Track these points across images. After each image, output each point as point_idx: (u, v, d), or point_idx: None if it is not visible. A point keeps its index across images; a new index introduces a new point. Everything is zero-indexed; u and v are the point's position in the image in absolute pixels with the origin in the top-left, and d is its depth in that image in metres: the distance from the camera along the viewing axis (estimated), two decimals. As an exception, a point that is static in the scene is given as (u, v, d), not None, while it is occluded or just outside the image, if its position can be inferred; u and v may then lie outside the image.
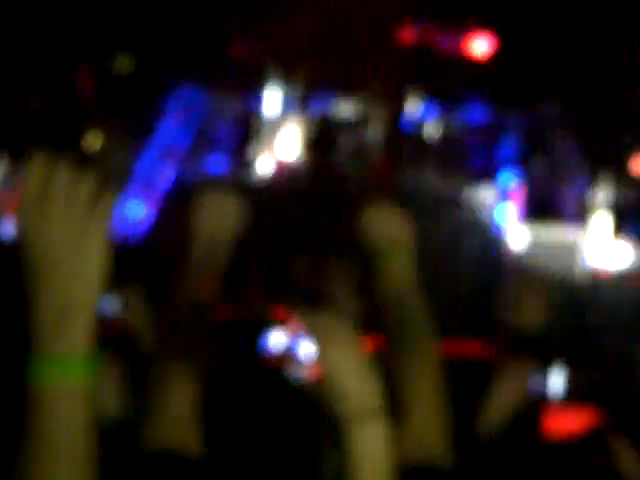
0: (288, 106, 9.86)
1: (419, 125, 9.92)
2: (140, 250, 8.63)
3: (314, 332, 1.66)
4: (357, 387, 1.63)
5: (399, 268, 2.30)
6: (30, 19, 9.50)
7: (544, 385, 3.07)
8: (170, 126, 9.57)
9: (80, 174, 1.36)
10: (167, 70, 9.77)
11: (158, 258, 8.35)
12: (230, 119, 9.69)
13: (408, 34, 10.18)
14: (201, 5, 9.83)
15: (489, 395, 2.83)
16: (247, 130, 9.75)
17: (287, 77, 9.85)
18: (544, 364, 3.06)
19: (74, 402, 1.23)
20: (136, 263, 7.65)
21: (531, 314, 3.04)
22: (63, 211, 1.31)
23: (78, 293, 1.27)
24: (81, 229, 1.31)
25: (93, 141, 9.41)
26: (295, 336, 1.64)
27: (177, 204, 9.15)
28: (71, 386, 1.23)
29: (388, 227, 2.33)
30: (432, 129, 9.87)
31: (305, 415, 1.84)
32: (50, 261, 1.28)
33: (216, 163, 9.53)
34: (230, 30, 10.08)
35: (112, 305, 2.61)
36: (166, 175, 9.41)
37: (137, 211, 9.32)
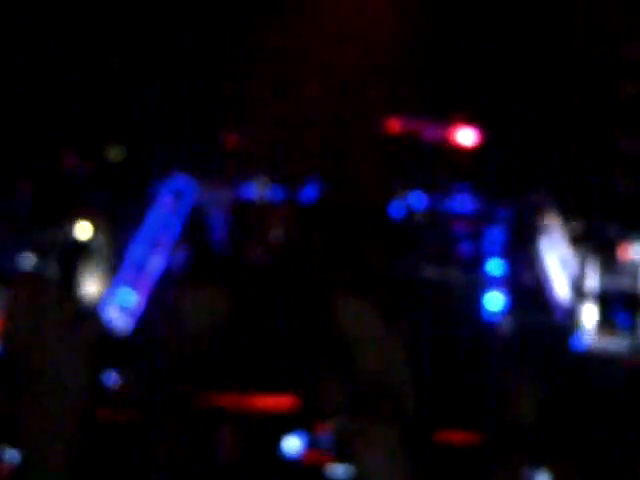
0: (276, 194, 9.96)
1: (409, 214, 10.00)
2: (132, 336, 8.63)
3: (350, 433, 1.70)
4: None
5: (366, 358, 2.33)
6: (23, 107, 9.62)
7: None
8: (160, 214, 9.63)
9: (65, 294, 1.41)
10: (158, 160, 9.87)
11: (148, 343, 8.35)
12: (221, 206, 9.74)
13: (395, 126, 10.32)
14: (194, 97, 9.97)
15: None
16: (239, 216, 9.81)
17: (276, 168, 9.96)
18: (535, 458, 3.09)
19: None
20: (130, 347, 7.65)
21: (524, 409, 3.09)
22: (54, 322, 1.39)
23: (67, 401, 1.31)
24: (68, 344, 1.38)
25: (83, 229, 9.46)
26: (322, 436, 1.67)
27: (167, 291, 9.16)
28: None
29: (354, 321, 2.36)
30: (421, 218, 9.95)
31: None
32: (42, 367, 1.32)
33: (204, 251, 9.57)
34: (221, 123, 10.21)
35: (113, 379, 2.64)
36: (157, 263, 9.43)
37: (129, 300, 9.32)
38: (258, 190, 9.97)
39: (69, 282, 9.12)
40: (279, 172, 10.03)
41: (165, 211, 9.65)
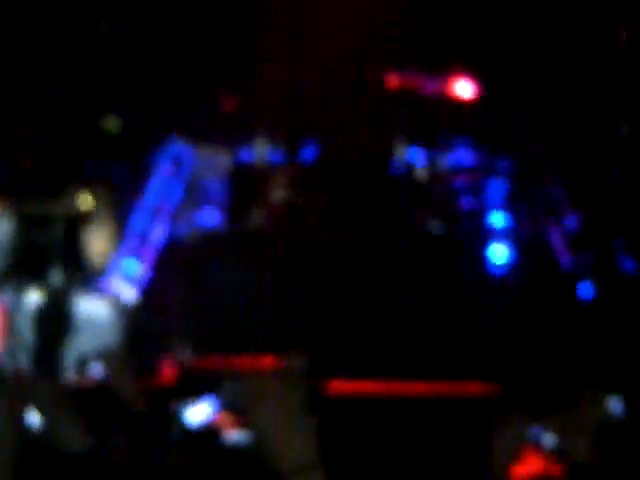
0: (276, 156, 9.93)
1: (409, 169, 9.97)
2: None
3: (242, 396, 1.70)
4: (293, 444, 1.67)
5: None
6: (19, 77, 9.60)
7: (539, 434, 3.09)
8: (160, 182, 9.62)
9: None
10: (156, 127, 9.85)
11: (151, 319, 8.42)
12: (220, 172, 9.72)
13: (392, 81, 10.26)
14: (189, 61, 9.92)
15: (492, 441, 2.87)
16: (238, 183, 9.79)
17: (274, 129, 9.92)
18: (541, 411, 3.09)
19: None
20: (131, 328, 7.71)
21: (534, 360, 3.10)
22: None
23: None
24: None
25: (84, 202, 9.45)
26: (222, 402, 1.69)
27: (170, 260, 9.20)
28: None
29: None
30: (421, 173, 9.93)
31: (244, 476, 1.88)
32: None
33: (208, 217, 9.57)
34: (218, 84, 10.16)
35: (100, 370, 2.64)
36: (159, 231, 9.44)
37: (133, 269, 9.35)
38: (258, 153, 9.93)
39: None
40: (278, 133, 10.00)
41: (165, 178, 9.64)
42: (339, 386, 6.95)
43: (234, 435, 1.83)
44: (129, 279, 9.33)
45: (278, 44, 10.23)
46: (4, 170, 9.85)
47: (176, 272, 9.01)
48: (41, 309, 7.76)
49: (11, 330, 7.23)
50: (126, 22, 10.01)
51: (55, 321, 7.85)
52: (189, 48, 10.05)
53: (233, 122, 10.05)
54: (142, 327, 8.29)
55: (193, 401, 2.46)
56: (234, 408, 1.75)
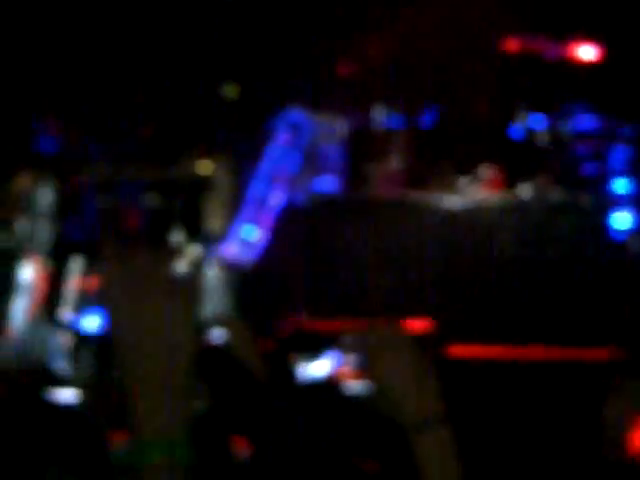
0: (394, 123, 9.89)
1: (529, 135, 9.83)
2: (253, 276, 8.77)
3: (367, 347, 1.71)
4: (415, 397, 1.68)
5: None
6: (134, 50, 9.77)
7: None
8: (279, 149, 9.69)
9: (159, 258, 1.45)
10: (273, 94, 9.91)
11: (269, 283, 8.51)
12: (338, 139, 9.74)
13: (513, 45, 10.10)
14: (304, 28, 9.94)
15: (606, 410, 2.82)
16: (356, 149, 9.80)
17: (392, 94, 9.87)
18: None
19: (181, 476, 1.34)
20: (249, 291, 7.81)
21: None
22: (145, 291, 1.37)
23: (167, 372, 1.33)
24: (164, 309, 1.36)
25: (203, 168, 9.59)
26: (346, 352, 1.70)
27: (289, 226, 9.28)
28: (175, 466, 1.33)
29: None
30: (542, 138, 9.77)
31: (363, 427, 1.90)
32: (139, 338, 1.34)
33: (326, 184, 9.61)
34: (335, 50, 10.17)
35: (220, 335, 2.68)
36: (277, 198, 9.53)
37: (251, 235, 9.46)
38: (376, 118, 9.92)
39: (194, 223, 9.33)
40: (396, 99, 9.95)
41: (283, 145, 9.70)
42: (460, 349, 6.95)
43: (355, 387, 1.84)
44: (247, 244, 9.45)
45: (393, 8, 10.18)
46: (126, 137, 10.07)
47: (293, 238, 9.09)
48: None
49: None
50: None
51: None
52: (305, 14, 10.08)
53: (351, 88, 10.05)
54: (260, 291, 8.41)
55: (312, 357, 2.48)
56: (355, 362, 1.76)
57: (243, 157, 9.93)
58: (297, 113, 9.69)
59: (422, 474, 1.71)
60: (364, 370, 1.77)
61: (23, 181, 8.68)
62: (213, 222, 9.52)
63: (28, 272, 8.19)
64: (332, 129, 9.71)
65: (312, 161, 9.64)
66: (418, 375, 1.75)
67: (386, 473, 1.92)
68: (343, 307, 7.88)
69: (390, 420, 1.70)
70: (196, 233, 9.50)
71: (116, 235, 9.47)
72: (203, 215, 9.56)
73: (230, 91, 9.86)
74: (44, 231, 8.48)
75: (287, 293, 8.47)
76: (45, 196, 8.47)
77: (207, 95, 9.97)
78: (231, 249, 9.37)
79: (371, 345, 1.78)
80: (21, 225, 9.06)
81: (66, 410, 2.93)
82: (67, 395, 3.51)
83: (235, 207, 9.61)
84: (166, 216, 9.35)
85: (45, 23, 9.58)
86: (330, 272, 8.65)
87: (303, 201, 9.37)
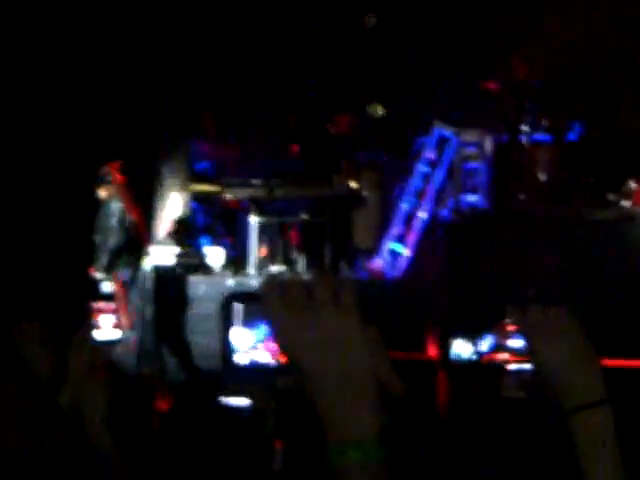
0: (540, 137, 9.90)
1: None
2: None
3: (528, 328, 1.77)
4: (577, 380, 1.74)
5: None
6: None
7: None
8: (425, 165, 9.85)
9: (321, 275, 1.44)
10: (419, 111, 10.09)
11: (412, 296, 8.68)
12: (485, 154, 9.80)
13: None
14: (449, 46, 10.09)
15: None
16: (502, 164, 9.83)
17: (538, 110, 9.88)
18: None
19: (374, 476, 1.39)
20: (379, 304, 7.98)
21: None
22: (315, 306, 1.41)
23: (358, 383, 1.40)
24: (338, 325, 1.41)
25: (352, 185, 9.85)
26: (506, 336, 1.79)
27: (434, 241, 9.42)
28: (368, 464, 1.39)
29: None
30: None
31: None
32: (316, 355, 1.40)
33: (472, 199, 9.70)
34: (480, 67, 10.26)
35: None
36: (423, 213, 9.69)
37: (397, 249, 9.65)
38: (522, 133, 9.93)
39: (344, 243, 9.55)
40: (543, 113, 9.95)
41: (429, 162, 9.86)
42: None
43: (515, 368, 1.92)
44: (393, 259, 9.65)
45: (538, 24, 10.22)
46: (278, 156, 10.44)
47: (439, 253, 9.22)
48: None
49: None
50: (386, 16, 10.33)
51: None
52: (449, 33, 10.23)
53: (497, 104, 10.10)
54: (406, 306, 8.58)
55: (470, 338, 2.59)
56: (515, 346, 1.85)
57: (390, 174, 10.14)
58: (443, 130, 9.82)
59: (583, 457, 1.72)
60: (528, 353, 1.82)
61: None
62: (361, 237, 9.76)
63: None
64: (478, 145, 9.79)
65: (458, 177, 9.75)
66: (582, 357, 1.77)
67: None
68: (488, 322, 7.95)
69: (552, 403, 1.74)
70: (345, 248, 9.76)
71: (274, 250, 9.83)
72: (352, 231, 9.81)
73: (376, 110, 10.09)
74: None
75: (431, 307, 8.60)
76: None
77: (355, 114, 10.23)
78: (378, 264, 9.59)
79: (534, 328, 1.80)
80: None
81: (240, 416, 3.16)
82: (240, 402, 3.79)
83: (382, 223, 9.82)
84: (318, 232, 9.64)
85: (204, 50, 10.01)
86: (475, 287, 8.73)
87: (449, 217, 9.49)
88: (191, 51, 9.92)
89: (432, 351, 7.99)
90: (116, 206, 8.77)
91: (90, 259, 8.72)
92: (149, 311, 8.61)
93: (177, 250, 9.21)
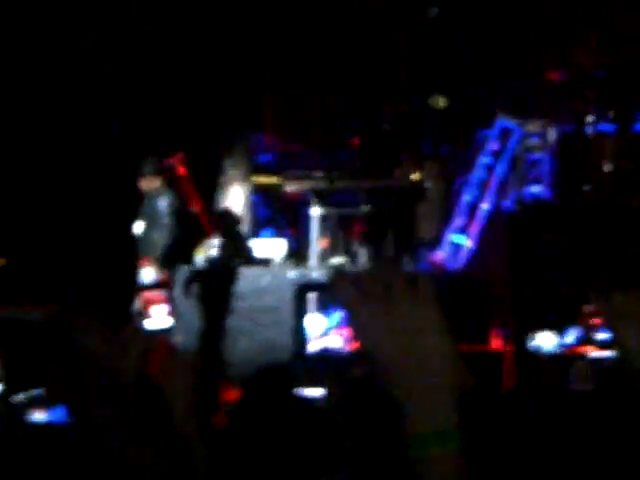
0: (604, 128, 9.79)
1: None
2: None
3: (612, 314, 1.75)
4: None
5: None
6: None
7: None
8: (488, 156, 9.80)
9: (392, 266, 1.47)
10: (483, 103, 10.04)
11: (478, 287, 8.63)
12: (548, 145, 9.72)
13: None
14: (512, 36, 10.02)
15: None
16: (565, 155, 9.75)
17: (603, 100, 9.77)
18: None
19: (454, 466, 1.40)
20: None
21: None
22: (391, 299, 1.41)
23: (436, 372, 1.40)
24: (415, 314, 1.41)
25: (415, 176, 9.83)
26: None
27: (497, 232, 9.37)
28: (448, 455, 1.39)
29: None
30: None
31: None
32: (396, 347, 1.40)
33: (535, 192, 9.63)
34: (544, 57, 10.17)
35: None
36: (486, 205, 9.64)
37: (460, 241, 9.62)
38: (586, 124, 9.83)
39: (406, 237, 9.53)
40: (607, 103, 9.84)
41: (492, 153, 9.80)
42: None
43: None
44: (456, 250, 9.62)
45: (602, 14, 10.09)
46: (340, 148, 10.45)
47: (502, 244, 9.17)
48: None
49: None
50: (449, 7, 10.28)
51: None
52: (513, 23, 10.15)
53: (560, 94, 10.01)
54: (468, 298, 8.54)
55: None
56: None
57: (453, 165, 10.11)
58: (506, 121, 9.76)
59: None
60: (613, 339, 1.78)
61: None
62: (423, 229, 9.74)
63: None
64: (542, 136, 9.72)
65: (521, 168, 9.68)
66: None
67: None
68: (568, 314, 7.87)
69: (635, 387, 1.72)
70: (407, 239, 9.74)
71: (335, 242, 9.85)
72: (414, 222, 9.79)
73: (439, 101, 10.05)
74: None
75: (494, 299, 8.55)
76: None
77: (417, 106, 10.20)
78: (440, 255, 9.56)
79: (618, 313, 1.79)
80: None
81: (313, 407, 3.17)
82: (313, 392, 3.81)
83: (444, 214, 9.79)
84: (380, 224, 9.64)
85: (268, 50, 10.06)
86: (539, 278, 8.66)
87: (512, 208, 9.43)
88: (255, 44, 9.96)
89: (497, 343, 7.95)
90: (167, 199, 8.69)
91: (133, 250, 8.66)
92: (207, 304, 8.65)
93: (225, 242, 9.21)
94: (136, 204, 8.73)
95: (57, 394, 1.93)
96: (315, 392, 3.44)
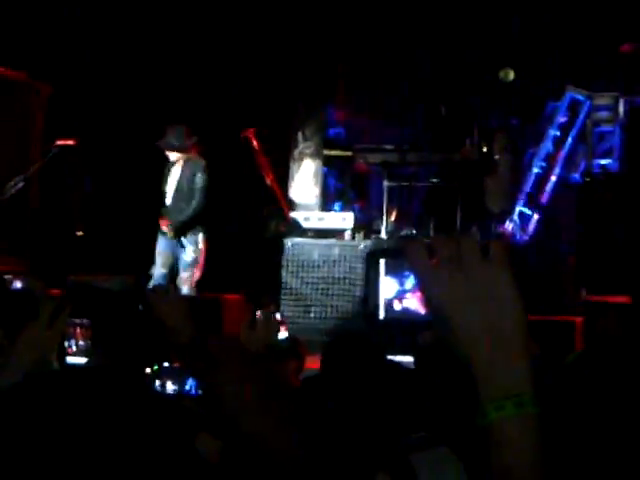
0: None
1: None
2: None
3: None
4: None
5: None
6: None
7: None
8: (556, 129, 9.85)
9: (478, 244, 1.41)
10: (552, 76, 10.06)
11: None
12: (616, 119, 9.72)
13: None
14: (582, 9, 10.00)
15: None
16: (634, 128, 9.72)
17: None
18: None
19: (531, 430, 1.39)
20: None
21: None
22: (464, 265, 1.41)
23: (512, 336, 1.39)
24: (488, 280, 1.41)
25: (484, 150, 9.90)
26: None
27: (565, 204, 9.43)
28: (524, 419, 1.38)
29: None
30: None
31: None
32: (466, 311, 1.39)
33: (603, 164, 9.65)
34: (614, 30, 10.13)
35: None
36: (554, 177, 9.70)
37: (529, 213, 9.70)
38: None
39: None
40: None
41: (560, 126, 9.84)
42: None
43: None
44: (525, 222, 9.70)
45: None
46: (411, 122, 10.55)
47: (570, 217, 9.22)
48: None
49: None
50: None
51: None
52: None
53: (631, 67, 9.96)
54: (536, 269, 8.64)
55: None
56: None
57: (521, 138, 10.16)
58: (576, 94, 9.78)
59: None
60: None
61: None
62: (492, 201, 9.82)
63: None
64: (611, 109, 9.72)
65: (590, 141, 9.71)
66: None
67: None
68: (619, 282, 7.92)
69: None
70: (477, 212, 9.83)
71: (405, 214, 10.00)
72: (483, 194, 9.87)
73: (508, 74, 10.09)
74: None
75: (562, 269, 8.64)
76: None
77: (487, 79, 10.25)
78: (508, 227, 9.65)
79: None
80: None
81: (408, 372, 3.34)
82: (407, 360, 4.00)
83: (513, 187, 9.86)
84: (449, 196, 9.74)
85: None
86: (607, 251, 8.71)
87: (580, 180, 9.47)
88: (327, 20, 10.10)
89: (567, 313, 8.02)
90: (196, 169, 8.27)
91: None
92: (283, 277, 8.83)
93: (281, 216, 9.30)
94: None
95: (189, 367, 2.07)
96: (392, 357, 3.63)
